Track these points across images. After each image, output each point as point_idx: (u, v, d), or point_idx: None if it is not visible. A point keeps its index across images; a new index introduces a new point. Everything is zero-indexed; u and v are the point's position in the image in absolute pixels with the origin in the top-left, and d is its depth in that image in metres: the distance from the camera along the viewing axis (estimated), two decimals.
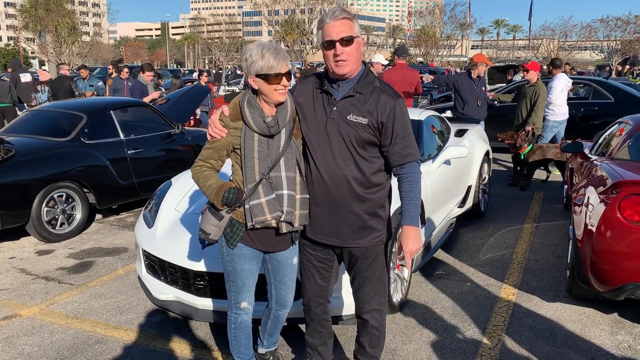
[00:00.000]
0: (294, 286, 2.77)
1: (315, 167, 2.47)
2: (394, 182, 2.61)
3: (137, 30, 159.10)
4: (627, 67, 26.46)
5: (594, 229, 3.55)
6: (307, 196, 2.52)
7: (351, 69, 2.38)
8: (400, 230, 2.39)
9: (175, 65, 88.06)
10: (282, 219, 2.46)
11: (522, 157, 7.57)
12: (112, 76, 11.09)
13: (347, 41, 2.32)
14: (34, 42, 32.28)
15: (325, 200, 2.48)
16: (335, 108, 2.42)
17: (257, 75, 2.35)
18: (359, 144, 2.41)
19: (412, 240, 2.42)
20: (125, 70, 10.47)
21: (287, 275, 2.71)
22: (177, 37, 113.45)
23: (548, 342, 3.45)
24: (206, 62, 79.31)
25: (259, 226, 2.46)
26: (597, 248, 3.51)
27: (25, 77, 11.46)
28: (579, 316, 3.81)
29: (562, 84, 8.08)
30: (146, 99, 8.97)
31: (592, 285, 3.64)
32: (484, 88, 7.76)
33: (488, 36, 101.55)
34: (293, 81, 14.72)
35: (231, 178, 2.59)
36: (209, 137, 2.49)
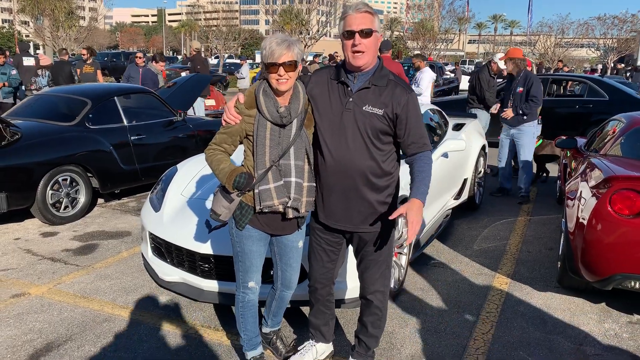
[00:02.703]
0: (298, 268, 2.90)
1: (330, 155, 2.59)
2: (402, 170, 2.74)
3: (133, 16, 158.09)
4: (623, 65, 26.69)
5: (585, 222, 3.70)
6: (314, 184, 2.65)
7: (367, 62, 2.50)
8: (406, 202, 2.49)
9: (171, 52, 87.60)
10: (288, 205, 2.58)
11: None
12: (87, 62, 10.70)
13: (367, 33, 2.45)
14: (28, 25, 32.02)
15: (339, 187, 2.61)
16: (351, 99, 2.55)
17: (263, 64, 2.50)
18: (373, 134, 2.54)
19: (416, 212, 2.42)
20: (139, 56, 10.16)
21: (292, 257, 2.84)
22: (174, 24, 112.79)
23: (538, 329, 3.61)
24: (202, 49, 78.95)
25: (266, 210, 2.59)
26: (588, 240, 3.66)
27: (29, 61, 11.36)
28: (568, 305, 3.97)
29: (429, 77, 9.14)
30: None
31: (582, 276, 3.80)
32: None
33: (485, 31, 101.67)
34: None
35: (242, 163, 2.71)
36: (223, 123, 2.61)
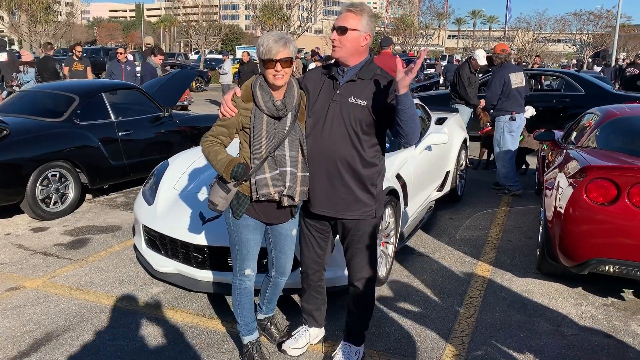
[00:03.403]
0: (292, 256, 3.04)
1: (316, 143, 2.76)
2: (387, 162, 2.89)
3: (111, 11, 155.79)
4: (599, 59, 27.22)
5: (562, 210, 3.90)
6: (308, 174, 2.79)
7: (342, 55, 2.69)
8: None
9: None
10: (284, 193, 2.72)
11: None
12: (78, 59, 10.46)
13: (342, 31, 2.65)
14: (2, 20, 31.46)
15: (324, 174, 2.76)
16: (338, 91, 2.72)
17: (259, 59, 2.63)
18: (357, 124, 2.69)
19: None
20: (121, 51, 10.08)
21: (286, 245, 2.98)
22: (153, 19, 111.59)
23: (519, 312, 3.80)
24: (182, 45, 78.29)
25: (263, 199, 2.72)
26: (565, 227, 3.86)
27: (1, 57, 11.22)
28: (547, 290, 4.17)
29: None
30: None
31: (560, 261, 4.00)
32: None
33: (465, 26, 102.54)
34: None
35: (238, 155, 2.83)
36: (220, 115, 2.74)
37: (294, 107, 2.72)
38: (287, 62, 2.60)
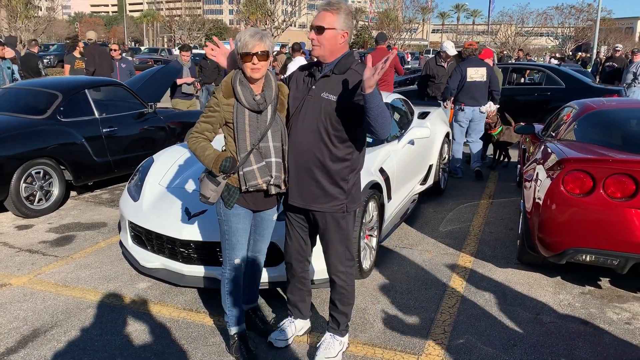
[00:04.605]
0: (269, 239, 3.16)
1: (290, 138, 2.85)
2: (367, 157, 2.95)
3: (92, 5, 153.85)
4: (581, 54, 27.52)
5: (540, 202, 4.00)
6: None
7: (320, 54, 2.77)
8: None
9: (133, 43, 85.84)
10: (271, 183, 2.82)
11: (493, 137, 8.08)
12: (79, 57, 9.88)
13: (319, 30, 2.72)
14: None
15: (295, 167, 2.85)
16: (314, 87, 2.79)
17: (237, 54, 2.73)
18: (327, 119, 2.76)
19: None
20: (115, 48, 9.66)
21: (266, 229, 3.10)
22: (135, 14, 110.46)
23: (500, 301, 3.89)
24: (165, 40, 77.67)
25: (252, 189, 2.81)
26: (543, 218, 3.96)
27: (9, 53, 10.89)
28: (527, 279, 4.28)
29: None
30: (180, 81, 8.92)
31: (538, 252, 4.10)
32: None
33: (448, 20, 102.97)
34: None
35: (223, 149, 2.89)
36: (209, 56, 2.92)
37: (272, 100, 2.81)
38: (264, 55, 2.69)
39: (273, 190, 2.85)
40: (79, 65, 9.91)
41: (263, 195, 2.91)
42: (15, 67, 9.73)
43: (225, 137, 2.86)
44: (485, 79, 7.28)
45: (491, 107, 7.50)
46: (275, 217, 3.10)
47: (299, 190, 2.87)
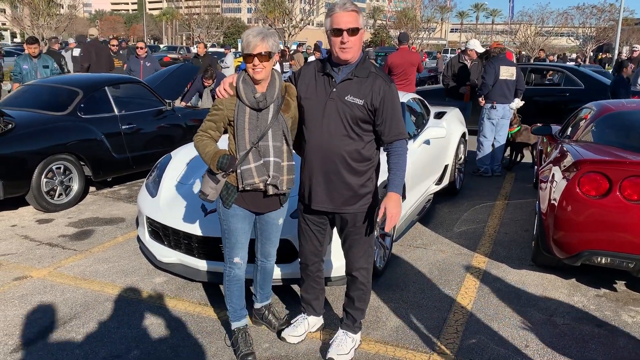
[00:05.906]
0: (277, 242, 3.18)
1: (314, 141, 2.83)
2: (382, 157, 2.97)
3: (112, 3, 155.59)
4: (602, 54, 27.17)
5: (556, 203, 3.98)
6: (294, 163, 2.92)
7: (353, 56, 2.74)
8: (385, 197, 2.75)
9: (152, 41, 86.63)
10: (268, 182, 2.84)
11: (509, 136, 8.04)
12: (116, 55, 9.93)
13: (354, 31, 2.68)
14: (4, 12, 31.51)
15: (322, 171, 2.85)
16: (335, 89, 2.78)
17: (242, 54, 2.76)
18: (353, 122, 2.77)
19: (394, 204, 2.71)
20: (141, 46, 9.43)
21: (272, 233, 3.12)
22: (155, 12, 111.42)
23: (513, 302, 3.89)
24: (184, 38, 78.25)
25: (248, 188, 2.84)
26: (558, 220, 3.95)
27: (76, 52, 10.74)
28: (541, 281, 4.27)
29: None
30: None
31: (553, 253, 4.08)
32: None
33: (467, 20, 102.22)
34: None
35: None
36: (218, 95, 2.88)
37: (275, 99, 2.82)
38: (265, 56, 2.70)
39: (271, 191, 2.86)
40: (115, 64, 9.91)
41: (262, 196, 2.92)
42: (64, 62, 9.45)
43: (229, 136, 2.92)
44: (514, 78, 7.46)
45: (518, 103, 7.65)
46: (281, 220, 3.11)
47: (328, 195, 2.87)
